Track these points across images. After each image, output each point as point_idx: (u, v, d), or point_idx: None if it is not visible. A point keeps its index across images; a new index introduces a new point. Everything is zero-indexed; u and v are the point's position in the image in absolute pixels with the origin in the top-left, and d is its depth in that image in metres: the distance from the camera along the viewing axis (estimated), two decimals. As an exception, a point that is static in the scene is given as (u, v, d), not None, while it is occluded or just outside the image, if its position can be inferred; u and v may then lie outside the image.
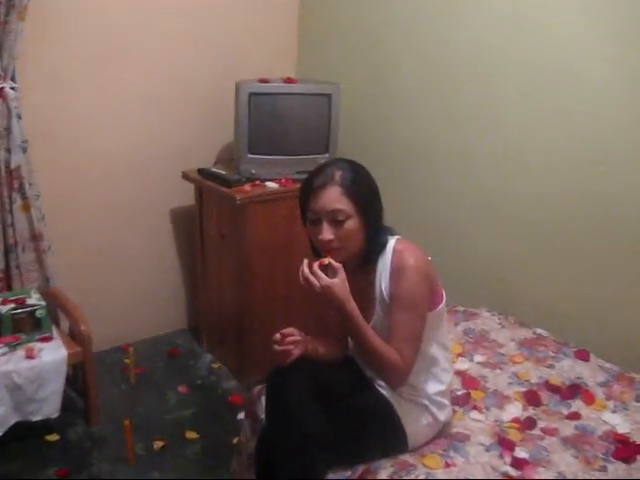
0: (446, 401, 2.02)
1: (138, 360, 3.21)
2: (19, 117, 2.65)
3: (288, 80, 3.06)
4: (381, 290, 1.89)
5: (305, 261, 1.82)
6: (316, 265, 1.79)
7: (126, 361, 3.14)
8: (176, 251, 3.53)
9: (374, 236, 1.89)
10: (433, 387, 1.98)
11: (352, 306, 1.79)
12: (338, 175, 1.83)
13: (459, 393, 2.23)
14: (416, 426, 1.95)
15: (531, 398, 2.24)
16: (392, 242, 1.90)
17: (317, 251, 1.97)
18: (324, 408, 1.85)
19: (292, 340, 1.86)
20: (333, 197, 1.81)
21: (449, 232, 3.08)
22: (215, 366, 3.30)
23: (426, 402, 1.97)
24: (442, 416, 2.00)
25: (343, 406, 1.93)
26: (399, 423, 1.92)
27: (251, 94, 2.86)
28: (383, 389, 1.96)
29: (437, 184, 3.08)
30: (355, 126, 3.37)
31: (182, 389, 3.06)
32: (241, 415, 2.60)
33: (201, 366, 3.30)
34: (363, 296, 1.94)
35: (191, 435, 2.74)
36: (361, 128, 3.38)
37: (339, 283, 1.77)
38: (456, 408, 2.16)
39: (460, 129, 2.91)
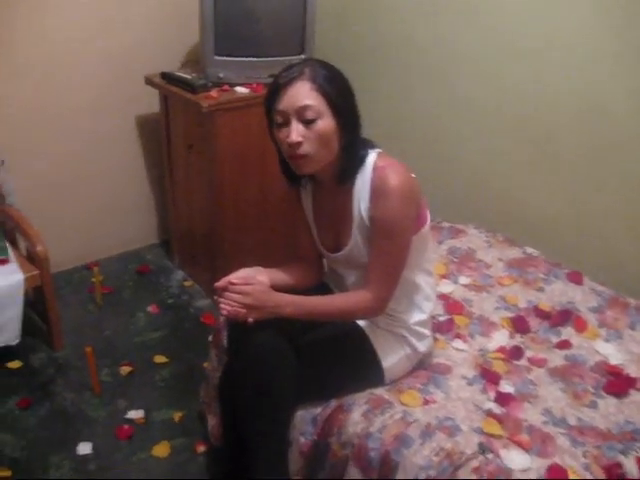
0: (427, 331, 1.87)
1: (106, 279, 3.05)
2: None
3: (258, -29, 2.73)
4: (360, 212, 1.68)
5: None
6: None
7: (93, 280, 2.97)
8: (144, 161, 3.29)
9: (351, 147, 1.66)
10: (413, 316, 1.82)
11: (288, 303, 1.64)
12: (308, 70, 1.59)
13: (441, 319, 2.09)
14: (393, 358, 1.80)
15: (519, 325, 2.09)
16: (372, 157, 1.68)
17: (286, 170, 1.76)
18: (292, 340, 1.69)
19: (240, 290, 1.62)
20: (301, 92, 1.57)
21: (432, 142, 2.86)
22: (187, 284, 3.14)
23: (405, 332, 1.82)
24: (422, 347, 1.85)
25: (313, 337, 1.77)
26: (374, 355, 1.78)
27: (217, -13, 2.56)
28: (358, 318, 1.81)
29: (421, 89, 2.83)
30: (335, 23, 3.08)
31: (152, 309, 2.91)
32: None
33: (172, 284, 3.13)
34: (339, 218, 1.76)
35: (160, 359, 2.60)
36: (341, 25, 3.08)
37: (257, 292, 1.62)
38: (438, 336, 2.02)
39: (451, 29, 2.63)
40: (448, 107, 2.75)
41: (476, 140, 2.67)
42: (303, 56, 2.73)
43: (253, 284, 1.63)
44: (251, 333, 1.64)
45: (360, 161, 1.67)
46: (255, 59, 2.70)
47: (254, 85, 2.70)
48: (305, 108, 1.57)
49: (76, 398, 2.40)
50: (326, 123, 1.59)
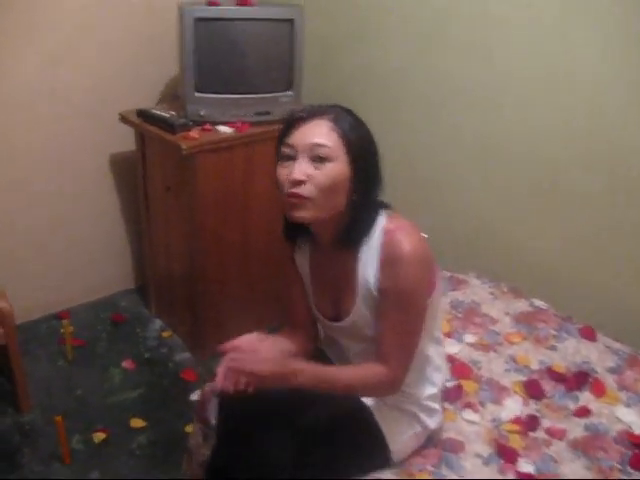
0: (437, 405, 1.68)
1: (77, 329, 2.83)
2: None
3: (242, 2, 2.53)
4: (366, 281, 1.49)
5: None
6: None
7: (63, 332, 2.73)
8: (118, 202, 3.08)
9: (362, 206, 1.46)
10: (425, 391, 1.64)
11: (304, 371, 1.42)
12: (332, 111, 1.42)
13: (449, 384, 1.90)
14: (402, 438, 1.62)
15: (532, 389, 1.92)
16: (382, 219, 1.49)
17: (288, 225, 1.56)
18: (288, 419, 1.52)
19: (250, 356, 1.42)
20: (318, 130, 1.38)
21: (428, 182, 2.69)
22: (165, 334, 2.91)
23: (415, 409, 1.63)
24: (432, 424, 1.67)
25: (314, 418, 1.57)
26: (380, 435, 1.59)
27: (197, 19, 2.36)
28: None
29: (416, 127, 2.66)
30: (324, 57, 2.91)
31: (127, 364, 2.69)
32: (194, 396, 2.31)
33: (149, 334, 2.91)
34: (340, 284, 1.56)
35: (137, 423, 2.38)
36: (331, 59, 2.91)
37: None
38: (446, 405, 1.83)
39: (449, 63, 2.47)
40: (443, 145, 2.58)
41: (477, 181, 2.50)
42: (291, 92, 2.55)
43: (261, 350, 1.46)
44: (240, 417, 1.46)
45: (369, 224, 1.48)
46: (239, 96, 2.51)
47: (238, 124, 2.50)
48: (317, 146, 1.37)
49: (45, 470, 2.17)
50: (339, 168, 1.39)
